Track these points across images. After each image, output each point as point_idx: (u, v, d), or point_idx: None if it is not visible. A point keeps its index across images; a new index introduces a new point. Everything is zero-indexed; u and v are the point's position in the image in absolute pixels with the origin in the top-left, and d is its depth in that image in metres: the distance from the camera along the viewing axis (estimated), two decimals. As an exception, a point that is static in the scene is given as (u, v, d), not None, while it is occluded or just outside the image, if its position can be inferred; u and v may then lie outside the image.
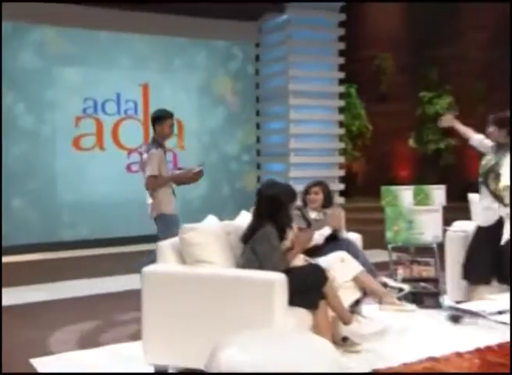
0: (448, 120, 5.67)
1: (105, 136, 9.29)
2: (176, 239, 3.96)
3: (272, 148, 10.09)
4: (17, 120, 8.60)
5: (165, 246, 3.93)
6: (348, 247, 4.94)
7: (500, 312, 3.60)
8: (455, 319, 4.85)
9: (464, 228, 5.59)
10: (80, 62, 9.03)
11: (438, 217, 5.85)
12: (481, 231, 5.18)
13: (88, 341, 4.68)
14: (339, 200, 10.15)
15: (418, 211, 5.93)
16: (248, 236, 3.97)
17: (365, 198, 7.43)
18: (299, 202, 4.98)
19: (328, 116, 9.89)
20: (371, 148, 12.46)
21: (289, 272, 4.03)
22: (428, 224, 5.94)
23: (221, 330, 3.28)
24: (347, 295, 4.46)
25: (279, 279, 3.51)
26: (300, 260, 4.33)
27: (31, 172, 8.72)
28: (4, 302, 5.68)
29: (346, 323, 4.22)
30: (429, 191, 6.08)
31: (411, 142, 11.45)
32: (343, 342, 4.45)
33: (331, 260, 4.50)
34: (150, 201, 5.46)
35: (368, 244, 5.44)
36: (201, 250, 3.84)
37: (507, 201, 4.88)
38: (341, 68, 9.93)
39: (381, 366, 4.02)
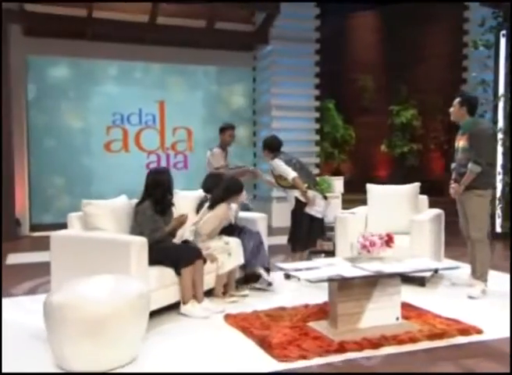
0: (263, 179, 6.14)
1: (130, 141, 9.76)
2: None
3: (261, 151, 10.23)
4: (65, 129, 9.29)
5: (74, 217, 4.20)
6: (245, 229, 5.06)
7: (309, 269, 3.70)
8: (287, 276, 5.30)
9: (353, 211, 5.59)
10: (111, 85, 9.53)
11: (338, 202, 5.88)
12: (293, 214, 5.50)
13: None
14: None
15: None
16: (134, 209, 4.19)
17: (350, 192, 7.63)
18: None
19: (307, 125, 9.99)
20: (356, 153, 12.42)
21: (185, 243, 4.26)
22: (330, 208, 5.94)
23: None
24: (232, 261, 4.59)
25: (134, 241, 3.75)
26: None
27: (72, 168, 9.27)
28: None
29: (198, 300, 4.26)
30: (331, 181, 6.10)
31: (383, 147, 11.29)
32: (223, 295, 4.58)
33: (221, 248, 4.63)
34: None
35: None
36: (97, 219, 4.12)
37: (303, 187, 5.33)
38: (317, 86, 9.98)
39: (234, 311, 4.14)
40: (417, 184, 5.77)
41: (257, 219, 5.31)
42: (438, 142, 10.92)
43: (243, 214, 5.31)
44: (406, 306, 4.34)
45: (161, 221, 4.25)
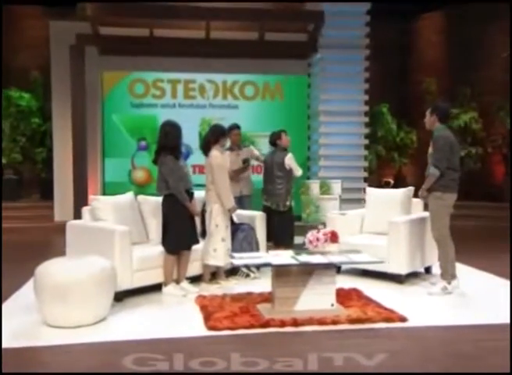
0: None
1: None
2: (93, 205, 5.28)
3: (313, 154, 10.91)
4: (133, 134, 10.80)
5: (86, 209, 5.30)
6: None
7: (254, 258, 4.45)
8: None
9: (344, 212, 6.16)
10: (176, 95, 10.82)
11: (336, 203, 6.43)
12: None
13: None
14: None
15: (322, 199, 6.59)
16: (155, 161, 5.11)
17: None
18: None
19: (355, 129, 10.46)
20: (419, 156, 12.63)
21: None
22: (329, 208, 6.54)
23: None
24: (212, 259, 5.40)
25: (117, 230, 4.69)
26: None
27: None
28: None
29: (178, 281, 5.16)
30: (330, 184, 6.67)
31: (442, 151, 11.38)
32: (209, 282, 5.43)
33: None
34: None
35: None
36: (100, 212, 5.15)
37: None
38: (367, 92, 10.41)
39: (206, 293, 4.99)
40: (410, 188, 6.21)
41: (256, 216, 6.09)
42: (496, 145, 10.82)
43: (243, 212, 6.12)
44: (362, 298, 4.93)
45: (183, 170, 4.99)
